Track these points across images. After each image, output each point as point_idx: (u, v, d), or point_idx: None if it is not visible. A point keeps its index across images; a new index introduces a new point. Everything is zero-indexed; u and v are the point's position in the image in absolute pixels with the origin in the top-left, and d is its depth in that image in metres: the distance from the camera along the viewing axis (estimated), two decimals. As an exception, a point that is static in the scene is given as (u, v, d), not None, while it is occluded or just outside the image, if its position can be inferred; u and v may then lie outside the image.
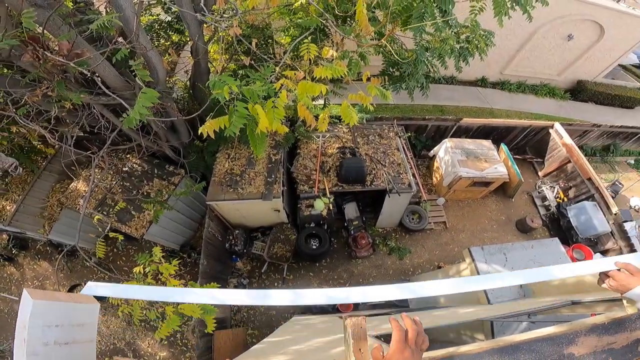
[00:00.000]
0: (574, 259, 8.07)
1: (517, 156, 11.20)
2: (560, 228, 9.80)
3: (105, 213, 6.81)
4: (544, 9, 5.60)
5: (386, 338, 2.80)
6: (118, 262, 8.62)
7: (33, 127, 4.46)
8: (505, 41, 12.69)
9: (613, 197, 9.71)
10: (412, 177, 7.77)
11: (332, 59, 3.42)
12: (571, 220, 9.31)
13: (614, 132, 12.12)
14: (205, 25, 5.05)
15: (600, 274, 1.65)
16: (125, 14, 4.14)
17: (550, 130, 10.71)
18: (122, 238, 5.64)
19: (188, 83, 7.86)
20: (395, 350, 1.19)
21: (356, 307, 8.05)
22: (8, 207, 7.41)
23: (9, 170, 5.43)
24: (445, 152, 9.53)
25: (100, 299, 2.21)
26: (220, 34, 6.26)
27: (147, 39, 4.86)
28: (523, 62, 14.21)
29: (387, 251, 9.06)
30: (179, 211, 8.07)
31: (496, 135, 10.80)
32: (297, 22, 5.88)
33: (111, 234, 5.60)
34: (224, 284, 7.91)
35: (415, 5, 4.51)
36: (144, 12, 7.59)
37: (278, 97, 3.03)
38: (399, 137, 8.76)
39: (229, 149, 7.61)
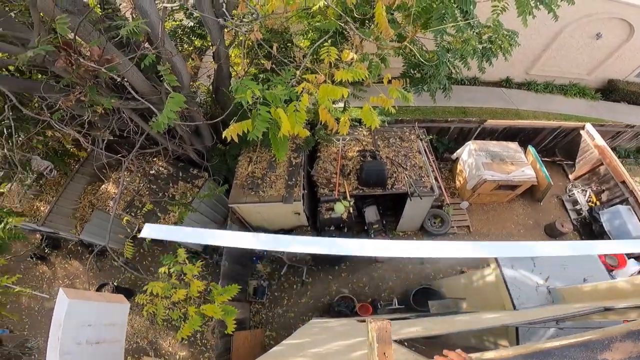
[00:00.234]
0: (607, 265, 7.68)
1: (545, 158, 10.79)
2: (592, 233, 9.36)
3: (133, 214, 7.06)
4: (570, 8, 5.39)
5: (405, 342, 2.76)
6: (144, 262, 8.91)
7: (68, 131, 4.65)
8: (529, 41, 12.30)
9: (649, 201, 9.19)
10: (434, 181, 7.64)
11: (352, 62, 3.43)
12: (604, 224, 8.89)
13: (649, 133, 11.46)
14: (226, 30, 5.16)
15: None
16: (151, 20, 4.26)
17: (581, 132, 10.27)
18: (149, 239, 5.83)
19: (210, 87, 8.05)
20: None
21: (375, 311, 7.97)
22: (42, 208, 7.79)
23: (45, 173, 5.72)
24: (468, 154, 9.32)
25: (127, 297, 2.30)
26: (240, 38, 6.39)
27: (172, 45, 5.00)
28: (550, 62, 13.72)
29: (408, 255, 8.92)
30: (202, 213, 8.26)
31: (523, 137, 10.46)
32: (315, 26, 5.92)
33: (138, 235, 5.76)
34: (244, 285, 8.02)
35: (434, 6, 4.45)
36: (168, 17, 7.84)
37: (299, 100, 3.06)
38: (421, 139, 8.64)
39: (250, 152, 7.74)
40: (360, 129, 8.69)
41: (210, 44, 6.48)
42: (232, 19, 5.20)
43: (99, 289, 8.24)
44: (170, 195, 7.42)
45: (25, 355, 7.79)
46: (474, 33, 5.20)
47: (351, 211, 7.48)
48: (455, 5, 4.54)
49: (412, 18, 4.40)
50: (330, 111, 3.28)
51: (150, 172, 7.70)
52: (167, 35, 4.81)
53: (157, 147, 7.21)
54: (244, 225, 7.95)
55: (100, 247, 7.60)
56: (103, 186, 7.67)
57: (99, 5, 5.80)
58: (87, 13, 4.14)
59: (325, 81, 3.30)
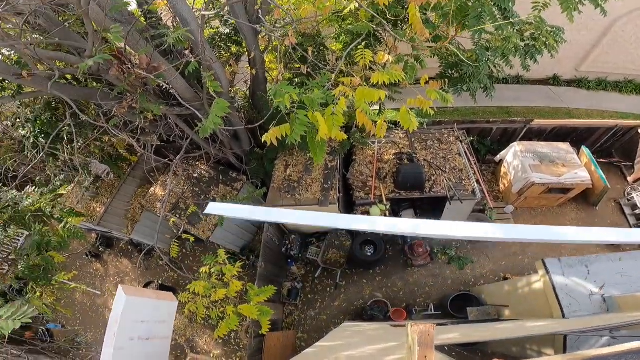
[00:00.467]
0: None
1: (601, 160, 9.98)
2: (655, 242, 8.50)
3: (178, 216, 7.46)
4: (618, 2, 5.02)
5: (445, 348, 2.69)
6: (186, 262, 9.34)
7: (123, 137, 4.98)
8: (577, 36, 11.51)
9: None
10: (475, 184, 7.34)
11: (387, 64, 3.41)
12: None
13: None
14: (260, 36, 5.28)
15: None
16: (191, 28, 4.40)
17: (640, 131, 9.42)
18: (193, 239, 6.14)
19: (248, 92, 8.30)
20: None
21: (409, 316, 7.78)
22: (98, 209, 8.43)
23: (102, 176, 6.21)
24: (514, 156, 8.85)
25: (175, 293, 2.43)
26: (275, 43, 6.52)
27: (212, 52, 5.17)
28: (602, 57, 12.71)
29: (446, 260, 8.62)
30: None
31: (575, 137, 9.78)
32: (347, 29, 5.94)
33: (184, 235, 6.08)
34: (279, 287, 8.16)
35: (470, 5, 4.31)
36: (206, 25, 8.17)
37: (336, 104, 3.10)
38: (461, 141, 8.34)
39: (287, 156, 7.89)
40: (397, 131, 8.55)
41: (245, 50, 6.69)
42: (267, 24, 5.35)
43: (145, 287, 8.77)
44: (212, 198, 7.75)
45: (74, 350, 8.38)
46: (514, 30, 4.97)
47: (387, 215, 7.37)
48: (492, 3, 4.37)
49: (447, 17, 4.29)
50: (368, 114, 3.28)
51: (194, 175, 8.10)
52: (206, 42, 4.98)
53: (200, 151, 7.57)
54: (280, 228, 8.11)
55: (149, 247, 8.06)
56: (152, 189, 8.16)
57: (142, 15, 6.17)
58: (135, 22, 4.36)
59: (360, 84, 3.32)
